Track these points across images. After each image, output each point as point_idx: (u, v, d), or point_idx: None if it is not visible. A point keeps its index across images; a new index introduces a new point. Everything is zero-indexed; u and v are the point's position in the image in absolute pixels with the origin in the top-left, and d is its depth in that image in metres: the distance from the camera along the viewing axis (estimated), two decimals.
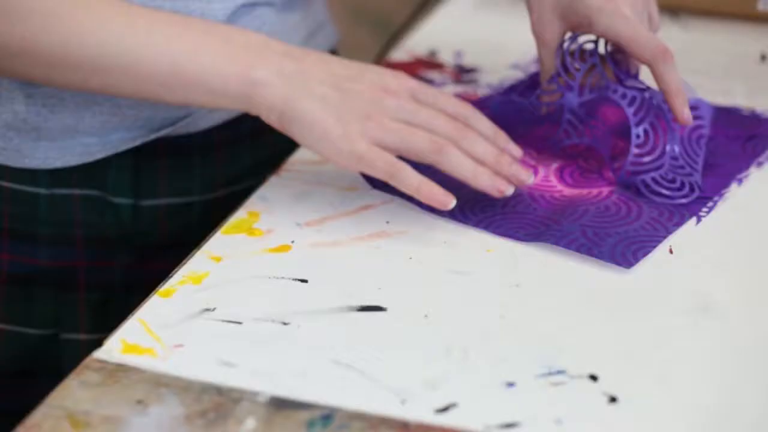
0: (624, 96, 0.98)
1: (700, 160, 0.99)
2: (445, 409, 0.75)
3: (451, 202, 0.91)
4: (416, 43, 1.24)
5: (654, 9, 1.02)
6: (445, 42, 1.23)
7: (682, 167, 0.98)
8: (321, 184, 0.99)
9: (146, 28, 0.92)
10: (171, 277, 0.88)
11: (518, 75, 1.16)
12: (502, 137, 0.95)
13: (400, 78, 0.94)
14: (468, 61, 1.20)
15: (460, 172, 0.91)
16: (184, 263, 0.90)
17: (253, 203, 0.97)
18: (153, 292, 0.87)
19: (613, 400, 0.76)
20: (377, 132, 0.90)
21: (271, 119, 0.92)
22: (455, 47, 1.22)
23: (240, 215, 0.96)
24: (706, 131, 1.03)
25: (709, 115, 1.04)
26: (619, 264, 0.88)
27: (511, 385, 0.77)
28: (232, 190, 1.07)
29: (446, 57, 1.21)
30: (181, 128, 1.02)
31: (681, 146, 0.99)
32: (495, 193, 0.92)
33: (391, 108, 0.91)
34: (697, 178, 0.97)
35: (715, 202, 0.96)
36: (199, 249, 0.92)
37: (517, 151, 0.95)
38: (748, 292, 0.87)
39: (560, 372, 0.78)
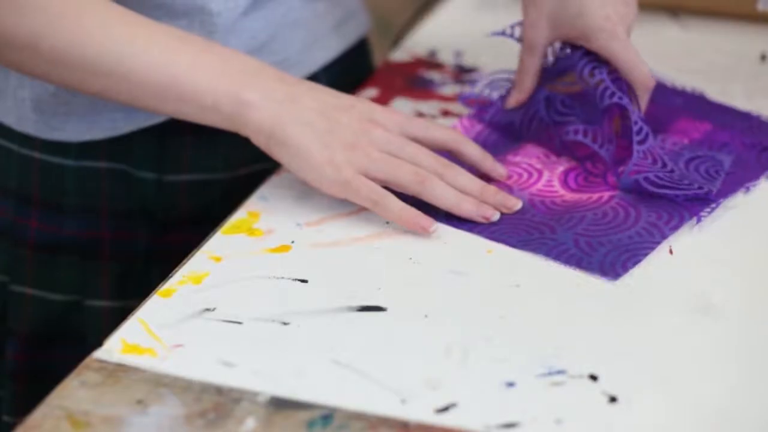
0: (621, 98, 0.99)
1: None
2: (445, 409, 0.75)
3: (431, 226, 0.92)
4: (416, 43, 1.24)
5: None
6: (445, 42, 1.23)
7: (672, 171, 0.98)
8: None
9: (146, 38, 0.94)
10: (171, 277, 0.88)
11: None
12: (489, 160, 0.98)
13: (390, 112, 0.96)
14: (468, 61, 1.20)
15: (443, 202, 0.94)
16: (184, 263, 0.90)
17: (253, 203, 0.97)
18: (153, 292, 0.87)
19: (613, 400, 0.76)
20: (363, 161, 0.93)
21: (259, 141, 0.94)
22: (455, 47, 1.22)
23: (240, 215, 0.96)
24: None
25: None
26: (606, 276, 0.88)
27: (511, 385, 0.77)
28: (255, 170, 1.08)
29: (446, 57, 1.21)
30: None
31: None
32: (480, 220, 0.94)
33: (378, 140, 0.94)
34: (713, 185, 0.97)
35: (718, 204, 0.95)
36: (199, 249, 0.92)
37: (503, 171, 0.99)
38: (748, 292, 0.87)
39: (560, 372, 0.78)
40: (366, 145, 0.93)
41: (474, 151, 0.98)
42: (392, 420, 0.75)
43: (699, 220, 0.94)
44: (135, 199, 1.07)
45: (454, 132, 0.99)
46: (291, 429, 0.74)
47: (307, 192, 0.98)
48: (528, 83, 1.04)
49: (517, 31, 1.05)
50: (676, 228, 0.92)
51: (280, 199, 0.97)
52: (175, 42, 0.94)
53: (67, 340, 1.07)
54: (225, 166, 1.08)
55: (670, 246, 0.91)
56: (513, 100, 1.05)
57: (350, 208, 0.96)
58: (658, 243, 0.91)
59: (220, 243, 0.93)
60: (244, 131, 0.94)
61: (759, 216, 0.96)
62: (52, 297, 1.07)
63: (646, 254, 0.90)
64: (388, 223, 0.94)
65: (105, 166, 1.05)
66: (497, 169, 0.98)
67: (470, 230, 0.93)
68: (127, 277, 1.07)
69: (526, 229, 0.93)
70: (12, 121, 1.05)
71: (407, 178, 0.93)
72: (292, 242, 0.92)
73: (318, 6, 1.10)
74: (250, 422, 0.75)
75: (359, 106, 0.96)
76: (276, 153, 0.93)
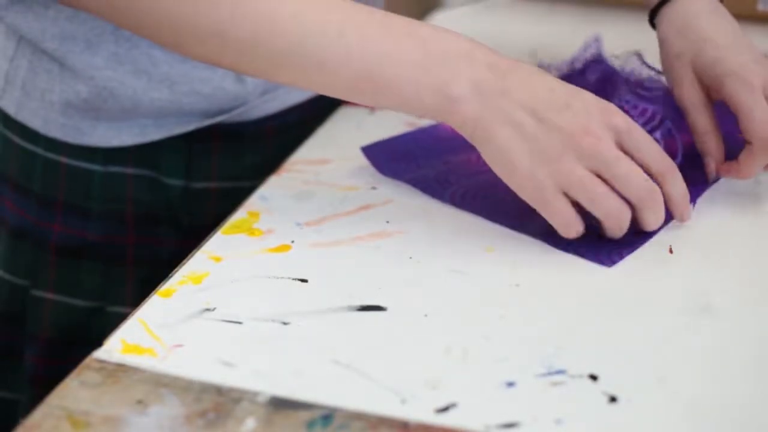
0: (635, 108, 0.99)
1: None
2: (445, 409, 0.75)
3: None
4: None
5: None
6: None
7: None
8: (321, 184, 0.99)
9: (340, 26, 0.86)
10: (171, 277, 0.88)
11: None
12: (685, 207, 0.92)
13: (608, 114, 0.88)
14: None
15: (613, 233, 0.90)
16: (184, 263, 0.90)
17: (253, 203, 0.97)
18: (153, 292, 0.87)
19: (613, 400, 0.76)
20: (565, 180, 0.86)
21: (464, 133, 0.88)
22: None
23: (240, 215, 0.96)
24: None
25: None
26: (602, 263, 0.89)
27: (511, 385, 0.77)
28: None
29: None
30: (234, 117, 1.03)
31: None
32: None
33: (586, 153, 0.86)
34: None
35: (710, 186, 0.98)
36: (199, 249, 0.92)
37: (687, 217, 0.92)
38: (748, 292, 0.87)
39: (560, 372, 0.78)
40: (572, 160, 0.86)
41: (678, 193, 0.90)
42: (392, 420, 0.75)
43: (694, 203, 0.95)
44: (161, 205, 1.06)
45: (667, 161, 0.90)
46: (291, 429, 0.74)
47: (307, 192, 0.98)
48: (714, 143, 0.98)
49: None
50: (665, 222, 0.93)
51: (280, 199, 0.98)
52: (373, 28, 0.86)
53: (87, 346, 1.07)
54: (252, 174, 1.08)
55: (670, 246, 0.91)
56: (712, 168, 0.98)
57: (350, 207, 0.96)
58: (651, 236, 0.92)
59: (220, 243, 0.93)
60: (449, 122, 0.88)
61: (759, 216, 0.96)
62: (74, 303, 1.07)
63: (641, 244, 0.91)
64: (388, 222, 0.94)
65: (132, 172, 1.05)
66: (684, 216, 0.92)
67: (478, 213, 0.95)
68: (150, 283, 1.06)
69: (528, 215, 0.92)
70: (38, 125, 1.04)
71: (603, 215, 0.88)
72: (292, 242, 0.92)
73: None
74: (250, 422, 0.75)
75: (575, 105, 0.87)
76: (479, 148, 0.88)
